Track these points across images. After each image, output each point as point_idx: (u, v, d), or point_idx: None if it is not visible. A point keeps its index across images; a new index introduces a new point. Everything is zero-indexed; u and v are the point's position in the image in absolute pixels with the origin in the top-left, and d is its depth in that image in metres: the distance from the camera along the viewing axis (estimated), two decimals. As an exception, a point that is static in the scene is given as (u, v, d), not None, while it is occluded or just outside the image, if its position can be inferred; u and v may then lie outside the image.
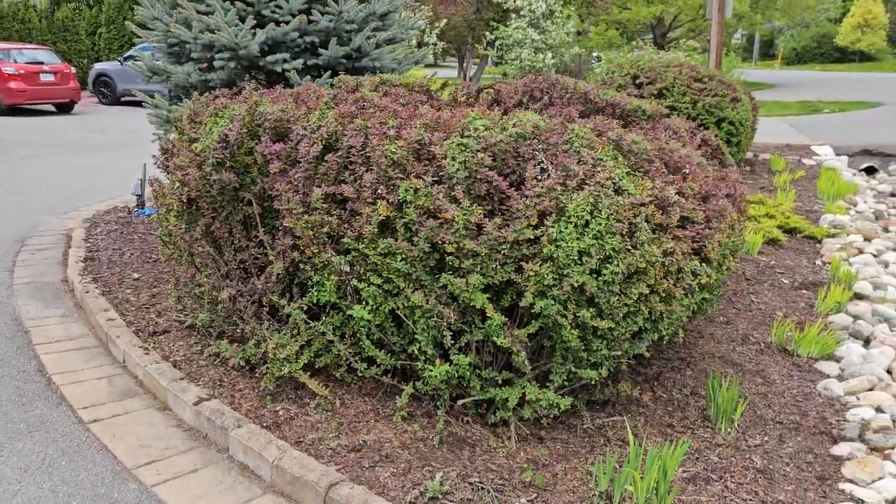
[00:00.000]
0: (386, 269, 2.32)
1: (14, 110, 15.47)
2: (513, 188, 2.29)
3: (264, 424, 2.53)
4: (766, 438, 2.87)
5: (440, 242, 2.23)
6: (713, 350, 3.69)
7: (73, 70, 16.49)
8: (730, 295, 4.56)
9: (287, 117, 2.70)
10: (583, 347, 2.40)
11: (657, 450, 2.30)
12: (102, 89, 18.57)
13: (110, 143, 11.70)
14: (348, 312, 2.43)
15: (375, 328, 2.47)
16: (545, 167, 2.44)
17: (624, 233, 2.31)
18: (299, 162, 2.52)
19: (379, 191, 2.33)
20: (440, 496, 2.15)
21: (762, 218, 6.34)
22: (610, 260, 2.25)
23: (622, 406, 2.99)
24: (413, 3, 16.20)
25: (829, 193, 7.82)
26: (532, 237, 2.21)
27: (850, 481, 2.62)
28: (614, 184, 2.39)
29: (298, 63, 4.27)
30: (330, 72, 4.36)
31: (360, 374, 2.63)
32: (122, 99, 18.07)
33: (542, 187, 2.25)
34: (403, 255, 2.28)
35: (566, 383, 2.55)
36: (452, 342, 2.37)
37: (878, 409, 3.19)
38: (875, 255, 5.70)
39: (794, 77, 32.07)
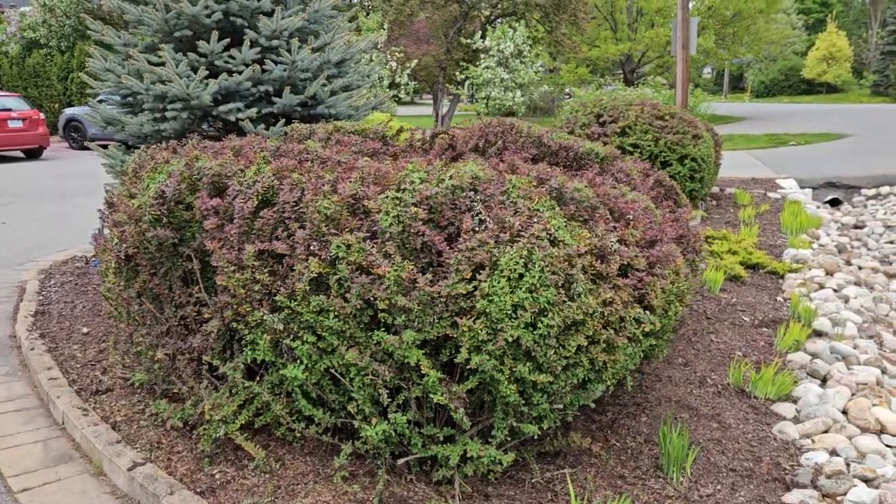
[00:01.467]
0: (319, 327, 2.27)
1: (-19, 157, 15.34)
2: (446, 242, 2.26)
3: (198, 490, 2.44)
4: (718, 487, 2.83)
5: (373, 299, 2.20)
6: (670, 394, 3.66)
7: (42, 116, 16.41)
8: (690, 335, 4.55)
9: (225, 172, 2.67)
10: (523, 402, 2.35)
11: (599, 507, 2.25)
12: (73, 134, 18.49)
13: (77, 188, 11.59)
14: (282, 372, 2.37)
15: (313, 386, 2.41)
16: (483, 218, 2.43)
17: (559, 285, 2.29)
18: (234, 218, 2.48)
19: (312, 247, 2.29)
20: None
21: (725, 254, 6.38)
22: (545, 313, 2.22)
23: (574, 457, 2.94)
24: (383, 46, 16.42)
25: (793, 227, 7.91)
26: (464, 292, 2.18)
27: (801, 531, 2.58)
28: (550, 235, 2.38)
29: (252, 112, 4.26)
30: (284, 120, 4.35)
31: (299, 434, 2.56)
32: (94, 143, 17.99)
33: (474, 241, 2.23)
34: (336, 313, 2.24)
35: (509, 438, 2.50)
36: (390, 399, 2.32)
37: (833, 453, 3.17)
38: (835, 290, 5.74)
39: (763, 110, 32.75)
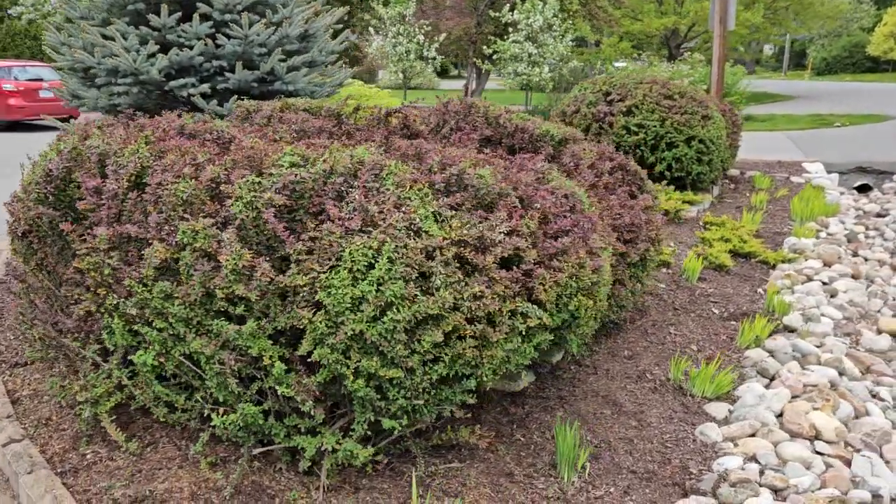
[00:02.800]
0: (168, 314, 2.24)
1: (14, 127, 15.79)
2: (291, 233, 2.19)
3: (60, 470, 2.46)
4: (610, 490, 2.71)
5: (213, 287, 2.14)
6: (601, 388, 3.53)
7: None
8: (648, 326, 4.39)
9: (110, 151, 2.64)
10: (378, 397, 2.28)
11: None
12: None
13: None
14: (131, 357, 2.35)
15: (173, 371, 2.38)
16: (356, 206, 2.34)
17: (413, 278, 2.19)
18: (104, 199, 2.45)
19: (164, 231, 2.25)
20: (196, 556, 2.06)
21: (716, 241, 6.13)
22: (392, 307, 2.13)
23: (470, 451, 2.86)
24: (411, 19, 16.20)
25: (803, 214, 7.55)
26: (302, 283, 2.11)
27: (680, 542, 2.45)
28: (413, 226, 2.28)
29: (204, 87, 4.23)
30: (236, 96, 4.32)
31: (163, 419, 2.54)
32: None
33: (319, 231, 2.15)
34: (182, 300, 2.20)
35: (373, 431, 2.43)
36: (243, 389, 2.27)
37: (752, 459, 3.01)
38: (825, 283, 5.46)
39: (820, 88, 31.36)
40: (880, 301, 5.34)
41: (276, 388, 2.20)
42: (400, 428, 2.34)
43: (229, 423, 2.23)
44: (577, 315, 2.95)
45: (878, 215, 8.43)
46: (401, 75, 15.97)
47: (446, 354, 2.31)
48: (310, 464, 2.39)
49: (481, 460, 2.81)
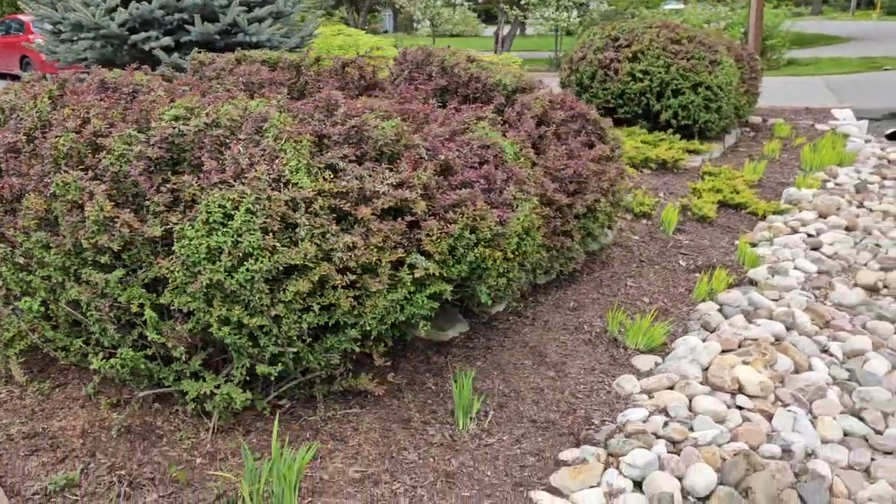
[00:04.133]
0: (48, 262, 2.34)
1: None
2: (154, 187, 2.24)
3: (-29, 407, 2.63)
4: (503, 437, 2.76)
5: (80, 237, 2.23)
6: (532, 339, 3.54)
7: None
8: (606, 278, 4.35)
9: (18, 105, 2.73)
10: (251, 344, 2.36)
11: (290, 452, 2.23)
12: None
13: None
14: (16, 304, 2.47)
15: (65, 317, 2.51)
16: (229, 158, 2.38)
17: (275, 230, 2.23)
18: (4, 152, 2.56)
19: (42, 184, 2.34)
20: (64, 488, 2.19)
21: (707, 192, 5.97)
22: (250, 257, 2.18)
23: (375, 398, 2.93)
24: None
25: (813, 164, 7.27)
26: (159, 234, 2.17)
27: (553, 489, 2.48)
28: (281, 177, 2.31)
29: (166, 41, 4.29)
30: (195, 49, 4.37)
31: (63, 359, 2.67)
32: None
33: (180, 183, 2.20)
34: (58, 249, 2.30)
35: (250, 376, 2.52)
36: (123, 335, 2.38)
37: (663, 411, 3.00)
38: (810, 235, 5.29)
39: (885, 29, 29.58)
40: (869, 254, 5.16)
41: (147, 334, 2.30)
42: (275, 374, 2.42)
43: (109, 367, 2.34)
44: (484, 266, 2.96)
45: (902, 164, 8.04)
46: (428, 23, 15.72)
47: (317, 304, 2.36)
48: (196, 406, 2.50)
49: (384, 407, 2.88)
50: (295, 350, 2.41)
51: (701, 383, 3.22)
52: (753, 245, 5.12)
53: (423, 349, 3.40)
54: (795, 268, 4.68)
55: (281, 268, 2.23)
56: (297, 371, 2.62)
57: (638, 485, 2.54)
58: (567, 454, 2.65)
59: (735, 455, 2.83)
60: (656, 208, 5.55)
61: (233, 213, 2.18)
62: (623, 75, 7.68)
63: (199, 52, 4.31)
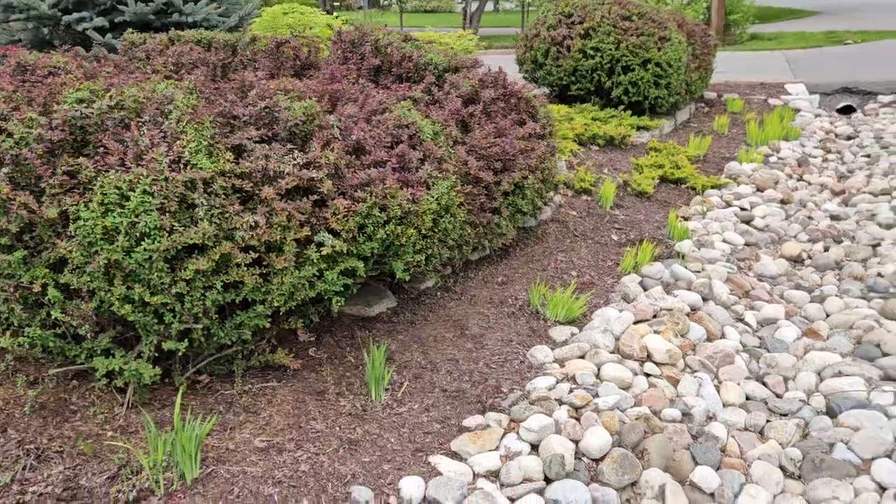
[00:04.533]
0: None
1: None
2: (51, 170, 2.32)
3: None
4: (413, 407, 2.88)
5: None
6: (457, 313, 3.66)
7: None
8: (538, 253, 4.47)
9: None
10: (156, 321, 2.45)
11: (194, 424, 2.34)
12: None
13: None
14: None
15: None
16: (138, 140, 2.46)
17: (172, 210, 2.32)
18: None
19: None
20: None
21: (649, 167, 6.10)
22: (147, 237, 2.27)
23: (295, 372, 3.04)
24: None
25: (758, 139, 7.43)
26: (55, 216, 2.25)
27: (452, 454, 2.62)
28: (181, 159, 2.39)
29: (99, 21, 4.31)
30: (130, 29, 4.40)
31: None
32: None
33: (75, 165, 2.28)
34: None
35: (158, 352, 2.62)
36: (32, 314, 2.46)
37: (572, 379, 3.14)
38: (743, 209, 5.44)
39: (850, 4, 29.76)
40: (800, 226, 5.34)
41: (52, 313, 2.38)
42: (182, 349, 2.52)
43: (17, 345, 2.43)
44: (398, 243, 3.07)
45: (849, 137, 8.23)
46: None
47: (221, 281, 2.46)
48: (108, 382, 2.59)
49: (302, 380, 2.99)
50: (202, 326, 2.51)
51: (612, 352, 3.37)
52: (686, 219, 5.27)
53: (350, 324, 3.51)
54: (724, 240, 4.84)
55: (179, 247, 2.32)
56: (210, 347, 2.72)
57: (535, 448, 2.68)
58: (471, 421, 2.78)
59: (637, 419, 2.98)
60: (597, 184, 5.67)
61: (129, 194, 2.26)
62: (575, 52, 7.76)
63: (133, 33, 4.34)
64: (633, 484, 2.70)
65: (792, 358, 3.54)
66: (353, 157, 3.00)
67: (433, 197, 3.14)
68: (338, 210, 2.69)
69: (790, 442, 2.92)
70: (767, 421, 3.07)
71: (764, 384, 3.35)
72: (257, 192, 2.52)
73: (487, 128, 4.02)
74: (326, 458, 2.48)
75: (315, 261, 2.69)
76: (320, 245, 2.69)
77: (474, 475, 2.52)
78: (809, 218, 5.52)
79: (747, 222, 5.27)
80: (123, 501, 2.17)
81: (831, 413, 3.06)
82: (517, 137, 4.12)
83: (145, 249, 2.26)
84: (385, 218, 2.91)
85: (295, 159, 2.68)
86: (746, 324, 3.91)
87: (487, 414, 2.83)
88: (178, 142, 2.43)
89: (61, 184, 2.29)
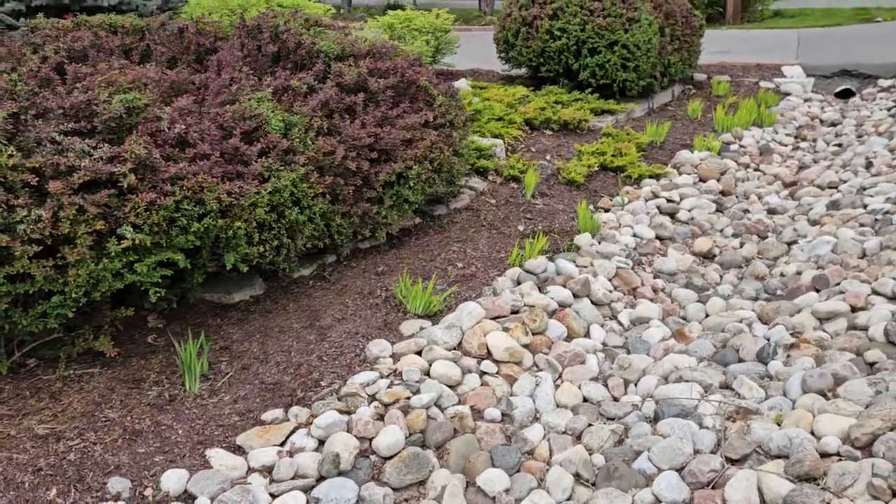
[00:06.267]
0: None
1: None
2: None
3: None
4: (225, 398, 2.93)
5: None
6: (318, 302, 3.68)
7: None
8: (434, 244, 4.44)
9: None
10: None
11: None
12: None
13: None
14: None
15: None
16: None
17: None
18: None
19: None
20: None
21: (588, 154, 5.97)
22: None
23: (123, 360, 3.12)
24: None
25: (724, 125, 7.19)
26: None
27: (235, 448, 2.66)
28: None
29: (12, 5, 4.42)
30: (42, 14, 4.50)
31: None
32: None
33: None
34: None
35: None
36: None
37: (398, 374, 3.14)
38: (670, 201, 5.31)
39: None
40: (728, 220, 5.20)
41: None
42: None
43: None
44: (226, 236, 3.10)
45: (833, 124, 7.90)
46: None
47: (3, 273, 2.54)
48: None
49: (127, 367, 3.07)
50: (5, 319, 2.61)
51: (454, 349, 3.35)
52: (606, 210, 5.17)
53: (206, 311, 3.58)
54: (633, 234, 4.74)
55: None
56: (21, 333, 2.81)
57: (323, 443, 2.71)
58: (269, 414, 2.82)
59: (452, 418, 2.98)
60: (528, 173, 5.59)
61: None
62: (542, 33, 7.61)
63: (44, 19, 4.43)
64: (421, 483, 2.71)
65: (648, 360, 3.48)
66: (178, 149, 3.03)
67: (265, 190, 3.16)
68: (137, 204, 2.73)
69: (601, 448, 2.88)
70: (589, 425, 3.03)
71: (606, 386, 3.30)
72: (45, 186, 2.58)
73: (368, 117, 4.00)
74: (101, 447, 2.55)
75: (118, 253, 2.74)
76: (121, 238, 2.74)
77: (249, 470, 2.56)
78: (745, 211, 5.35)
79: (672, 214, 5.14)
80: None
81: (656, 420, 3.00)
82: (404, 127, 4.09)
83: None
84: (201, 211, 2.95)
85: (95, 153, 2.72)
86: (619, 322, 3.85)
87: (292, 408, 2.86)
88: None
89: None
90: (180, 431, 2.69)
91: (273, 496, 2.46)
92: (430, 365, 3.20)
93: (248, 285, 3.73)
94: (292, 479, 2.53)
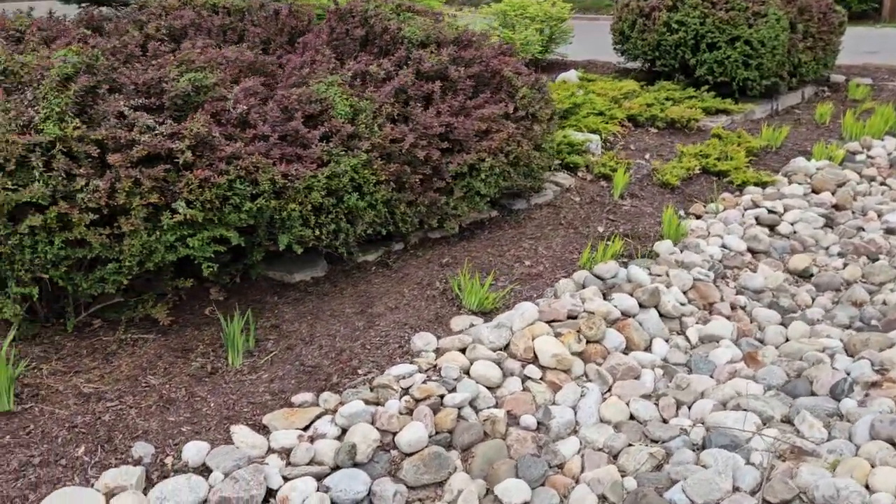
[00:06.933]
0: None
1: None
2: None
3: None
4: (263, 376, 2.98)
5: None
6: (376, 289, 3.68)
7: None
8: (506, 238, 4.33)
9: None
10: (8, 267, 2.74)
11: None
12: None
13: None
14: None
15: None
16: (6, 105, 2.73)
17: (10, 169, 2.57)
18: None
19: None
20: None
21: (691, 156, 5.63)
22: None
23: (180, 328, 3.25)
24: None
25: (853, 132, 6.57)
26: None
27: (261, 427, 2.69)
28: (30, 124, 2.63)
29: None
30: None
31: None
32: None
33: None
34: None
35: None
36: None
37: (437, 370, 3.08)
38: (771, 212, 4.91)
39: None
40: (836, 237, 4.76)
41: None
42: (35, 294, 2.80)
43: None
44: (280, 217, 3.15)
45: None
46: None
47: (61, 238, 2.69)
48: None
49: (177, 336, 3.19)
50: (54, 276, 2.77)
51: (500, 350, 3.25)
52: (698, 217, 4.86)
53: (267, 288, 3.66)
54: (723, 245, 4.43)
55: (14, 204, 2.58)
56: (83, 294, 2.98)
57: (346, 433, 2.70)
58: (299, 397, 2.84)
59: (485, 420, 2.90)
60: (619, 170, 5.35)
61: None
62: (660, 25, 7.25)
63: (154, -3, 4.67)
64: (439, 485, 2.65)
65: (709, 382, 3.24)
66: (240, 129, 3.10)
67: (322, 174, 3.18)
68: (191, 181, 2.81)
69: (636, 471, 2.70)
70: (629, 445, 2.86)
71: (656, 405, 3.10)
72: (103, 158, 2.71)
73: (444, 106, 3.95)
74: (136, 411, 2.67)
75: (171, 226, 2.84)
76: (175, 212, 2.84)
77: (269, 450, 2.59)
78: (860, 229, 4.87)
79: (771, 227, 4.76)
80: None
81: (703, 448, 2.78)
82: (480, 118, 4.00)
83: (-19, 205, 2.54)
84: (255, 191, 3.00)
85: (159, 129, 2.83)
86: (687, 338, 3.60)
87: (323, 394, 2.87)
88: (34, 108, 2.66)
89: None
90: (212, 404, 2.77)
91: (286, 479, 2.47)
92: (472, 364, 3.12)
93: (310, 266, 3.79)
94: (308, 464, 2.53)
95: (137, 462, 2.45)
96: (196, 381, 2.89)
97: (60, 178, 2.63)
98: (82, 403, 2.68)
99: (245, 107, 3.07)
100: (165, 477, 2.42)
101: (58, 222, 2.67)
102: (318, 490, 2.45)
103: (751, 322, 3.75)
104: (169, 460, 2.48)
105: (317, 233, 3.33)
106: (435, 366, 3.10)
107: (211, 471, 2.45)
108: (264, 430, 2.69)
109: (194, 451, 2.50)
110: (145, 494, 2.35)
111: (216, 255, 3.22)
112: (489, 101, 4.19)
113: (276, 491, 2.44)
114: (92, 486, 2.34)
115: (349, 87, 3.61)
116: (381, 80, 3.89)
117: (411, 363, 3.10)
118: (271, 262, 3.67)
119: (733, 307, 3.82)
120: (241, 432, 2.61)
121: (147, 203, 2.78)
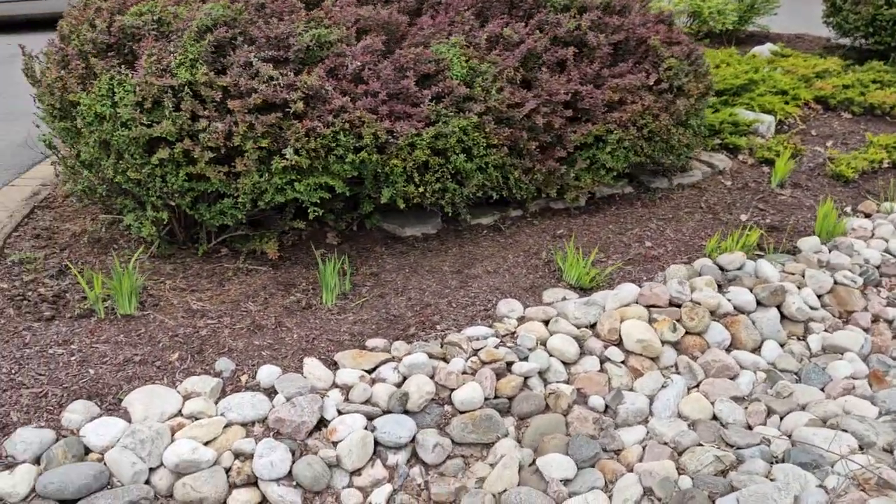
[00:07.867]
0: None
1: None
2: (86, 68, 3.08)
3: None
4: (349, 317, 3.14)
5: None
6: (482, 252, 3.71)
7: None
8: (636, 216, 4.16)
9: None
10: (143, 192, 3.13)
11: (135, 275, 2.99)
12: None
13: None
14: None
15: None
16: (151, 50, 3.11)
17: (148, 107, 2.92)
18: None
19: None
20: (22, 262, 3.27)
21: (874, 147, 4.97)
22: (126, 126, 2.91)
23: (292, 262, 3.54)
24: None
25: None
26: (76, 99, 3.00)
27: (332, 363, 2.86)
28: (168, 69, 2.97)
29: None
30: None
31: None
32: None
33: (93, 63, 2.98)
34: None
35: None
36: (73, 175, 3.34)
37: (512, 335, 3.07)
38: (963, 218, 4.21)
39: None
40: None
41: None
42: (165, 218, 3.19)
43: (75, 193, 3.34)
44: (383, 171, 3.29)
45: None
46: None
47: (185, 171, 3.03)
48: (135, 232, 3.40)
49: (286, 271, 3.46)
50: (177, 204, 3.14)
51: (585, 327, 3.16)
52: (867, 215, 4.30)
53: (379, 239, 3.84)
54: (886, 250, 3.91)
55: (147, 138, 2.94)
56: (209, 221, 3.31)
57: (406, 380, 2.80)
58: (373, 342, 2.97)
59: (550, 394, 2.87)
60: (793, 157, 4.87)
61: (116, 89, 2.92)
62: (876, -1, 6.41)
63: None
64: (486, 447, 2.68)
65: (818, 395, 2.93)
66: (354, 85, 3.26)
67: (427, 134, 3.25)
68: (297, 130, 3.02)
69: (696, 471, 2.54)
70: (699, 444, 2.68)
71: (745, 409, 2.86)
72: (225, 103, 2.99)
73: (576, 73, 3.84)
74: (229, 331, 2.96)
75: (278, 170, 3.09)
76: (283, 157, 3.08)
77: (333, 385, 2.76)
78: None
79: (949, 236, 4.09)
80: (67, 317, 2.95)
81: (782, 461, 2.54)
82: (612, 88, 3.85)
83: (121, 135, 2.92)
84: (358, 144, 3.16)
85: (281, 80, 3.06)
86: (808, 346, 3.26)
87: (396, 342, 2.98)
88: (173, 54, 3.00)
89: (81, 76, 3.05)
90: (295, 335, 2.99)
91: (339, 412, 2.63)
92: (550, 336, 3.07)
93: (423, 223, 3.89)
94: (363, 403, 2.67)
95: (217, 374, 2.73)
96: (288, 313, 3.14)
97: (186, 118, 2.95)
98: (188, 318, 3.02)
99: (360, 63, 3.21)
100: (238, 391, 2.68)
101: (183, 157, 3.01)
102: (365, 428, 2.58)
103: (892, 339, 3.30)
104: (244, 378, 2.74)
105: (420, 190, 3.42)
106: (513, 333, 3.09)
107: (277, 393, 2.67)
108: (334, 365, 2.86)
109: (267, 373, 2.73)
110: (216, 404, 2.62)
111: (331, 202, 3.45)
112: (630, 72, 4.00)
113: (329, 422, 2.60)
114: (175, 388, 2.65)
115: (475, 49, 3.62)
116: (515, 44, 3.86)
117: (490, 327, 3.12)
118: (386, 214, 3.83)
119: (875, 319, 3.38)
120: (311, 364, 2.81)
121: (259, 147, 3.03)
